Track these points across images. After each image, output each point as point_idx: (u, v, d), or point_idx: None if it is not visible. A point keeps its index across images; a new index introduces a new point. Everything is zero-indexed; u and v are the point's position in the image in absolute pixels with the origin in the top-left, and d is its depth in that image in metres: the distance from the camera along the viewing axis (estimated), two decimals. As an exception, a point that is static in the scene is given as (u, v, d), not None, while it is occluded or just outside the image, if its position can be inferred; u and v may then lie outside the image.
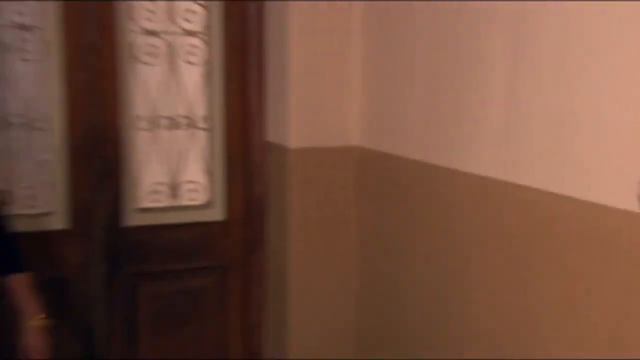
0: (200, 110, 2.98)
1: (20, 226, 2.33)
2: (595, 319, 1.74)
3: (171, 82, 2.92)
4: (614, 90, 1.66)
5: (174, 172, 2.99)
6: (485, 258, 2.17)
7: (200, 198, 3.04)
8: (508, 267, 2.08)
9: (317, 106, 2.85)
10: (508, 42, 2.03)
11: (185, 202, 3.02)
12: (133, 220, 2.91)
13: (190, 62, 2.92)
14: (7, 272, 2.18)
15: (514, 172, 2.02)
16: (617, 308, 1.67)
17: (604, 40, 1.68)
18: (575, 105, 1.78)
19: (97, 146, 2.79)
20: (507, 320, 2.09)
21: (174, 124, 2.95)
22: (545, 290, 1.92)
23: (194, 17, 2.90)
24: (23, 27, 2.64)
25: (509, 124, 2.03)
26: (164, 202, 2.99)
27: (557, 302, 1.88)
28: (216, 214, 3.05)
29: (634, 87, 1.60)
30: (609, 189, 1.68)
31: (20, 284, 2.17)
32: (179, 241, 3.01)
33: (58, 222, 2.76)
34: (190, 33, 2.90)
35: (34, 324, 2.14)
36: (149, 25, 2.84)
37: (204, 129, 3.00)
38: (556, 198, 1.84)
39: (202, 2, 2.89)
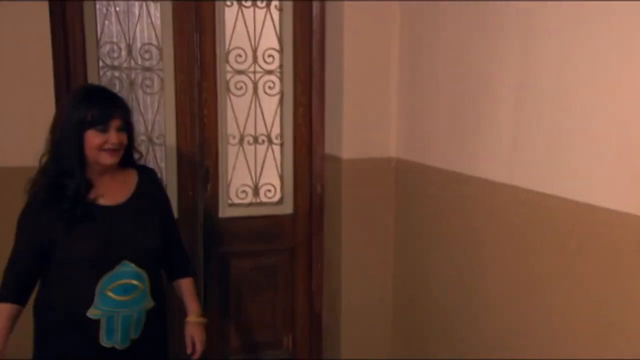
0: (275, 129, 3.12)
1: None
2: (579, 290, 1.82)
3: (254, 108, 3.07)
4: (600, 113, 1.72)
5: (255, 176, 3.13)
6: (495, 246, 2.21)
7: (275, 196, 3.17)
8: (513, 253, 2.12)
9: (364, 126, 2.91)
10: (515, 73, 2.08)
11: (264, 199, 3.15)
12: (225, 212, 3.06)
13: (268, 94, 3.07)
14: (178, 277, 2.16)
15: (520, 177, 2.06)
16: (599, 284, 1.75)
17: (593, 73, 1.74)
18: (570, 123, 1.84)
19: (200, 156, 2.96)
20: (512, 294, 2.13)
21: (256, 140, 3.10)
22: (543, 271, 1.96)
23: (272, 59, 3.05)
24: (147, 69, 2.86)
25: (517, 138, 2.08)
26: (248, 199, 3.12)
27: (552, 280, 1.93)
28: (287, 209, 3.17)
29: (617, 111, 1.67)
30: (598, 192, 1.74)
31: (187, 286, 2.15)
32: (259, 228, 3.14)
33: (170, 213, 2.91)
34: (269, 72, 3.06)
35: (194, 320, 2.13)
36: (239, 67, 3.01)
37: (278, 144, 3.14)
38: (553, 199, 1.90)
39: (277, 47, 3.04)
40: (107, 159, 1.86)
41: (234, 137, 3.06)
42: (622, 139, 1.66)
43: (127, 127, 1.92)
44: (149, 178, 2.07)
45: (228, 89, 3.01)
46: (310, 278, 3.25)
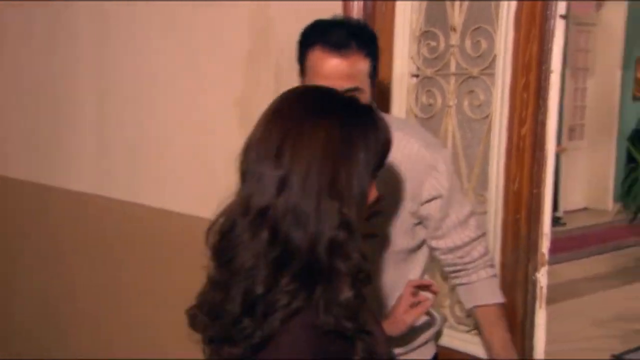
0: None
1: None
2: (166, 295, 2.23)
3: None
4: (179, 122, 2.19)
5: None
6: (84, 257, 2.52)
7: None
8: (103, 263, 2.45)
9: None
10: (95, 81, 2.44)
11: None
12: None
13: None
14: None
15: (105, 186, 2.41)
16: (182, 290, 2.23)
17: (172, 83, 2.19)
18: (149, 135, 2.26)
19: None
20: (104, 304, 2.48)
21: None
22: (132, 280, 2.37)
23: None
24: None
25: (100, 150, 2.43)
26: None
27: (140, 287, 2.34)
28: None
29: (195, 120, 2.14)
30: (178, 198, 2.17)
31: None
32: None
33: None
34: None
35: None
36: None
37: None
38: (138, 207, 2.29)
39: None
40: None
41: None
42: (199, 147, 2.17)
43: None
44: None
45: None
46: None
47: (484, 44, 1.91)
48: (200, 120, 2.17)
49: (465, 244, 1.70)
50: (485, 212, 1.92)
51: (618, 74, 9.03)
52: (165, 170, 2.26)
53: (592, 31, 8.93)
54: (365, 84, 1.58)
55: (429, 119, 2.02)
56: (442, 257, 1.73)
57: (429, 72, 2.05)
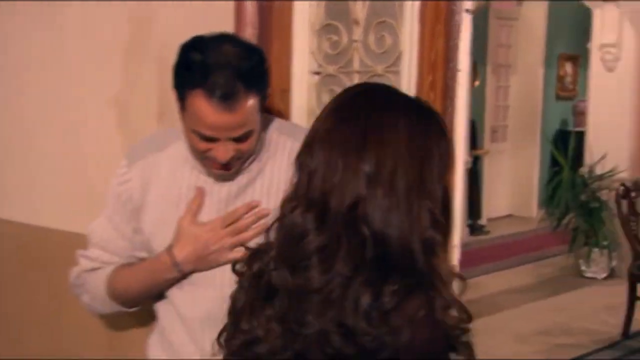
0: None
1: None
2: (35, 314, 2.16)
3: None
4: (40, 131, 2.10)
5: None
6: None
7: None
8: None
9: None
10: None
11: None
12: None
13: None
14: None
15: None
16: (51, 306, 2.11)
17: (40, 83, 2.09)
18: (12, 140, 2.17)
19: None
20: None
21: None
22: None
23: None
24: None
25: None
26: None
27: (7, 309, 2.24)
28: None
29: (69, 134, 2.04)
30: (46, 212, 2.08)
31: None
32: None
33: None
34: None
35: None
36: None
37: None
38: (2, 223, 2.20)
39: None
40: None
41: None
42: (71, 154, 2.07)
43: None
44: None
45: None
46: None
47: (388, 40, 1.85)
48: (71, 122, 2.06)
49: None
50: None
51: (540, 72, 9.11)
52: (31, 180, 2.17)
53: (514, 26, 9.02)
54: (255, 122, 1.50)
55: (332, 120, 1.95)
56: None
57: (331, 69, 2.00)
